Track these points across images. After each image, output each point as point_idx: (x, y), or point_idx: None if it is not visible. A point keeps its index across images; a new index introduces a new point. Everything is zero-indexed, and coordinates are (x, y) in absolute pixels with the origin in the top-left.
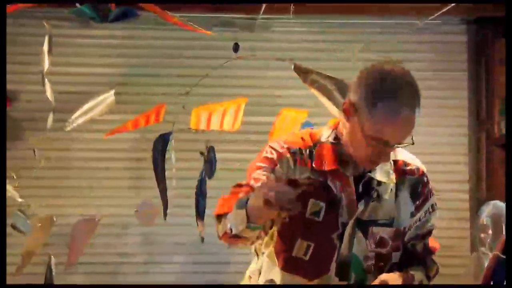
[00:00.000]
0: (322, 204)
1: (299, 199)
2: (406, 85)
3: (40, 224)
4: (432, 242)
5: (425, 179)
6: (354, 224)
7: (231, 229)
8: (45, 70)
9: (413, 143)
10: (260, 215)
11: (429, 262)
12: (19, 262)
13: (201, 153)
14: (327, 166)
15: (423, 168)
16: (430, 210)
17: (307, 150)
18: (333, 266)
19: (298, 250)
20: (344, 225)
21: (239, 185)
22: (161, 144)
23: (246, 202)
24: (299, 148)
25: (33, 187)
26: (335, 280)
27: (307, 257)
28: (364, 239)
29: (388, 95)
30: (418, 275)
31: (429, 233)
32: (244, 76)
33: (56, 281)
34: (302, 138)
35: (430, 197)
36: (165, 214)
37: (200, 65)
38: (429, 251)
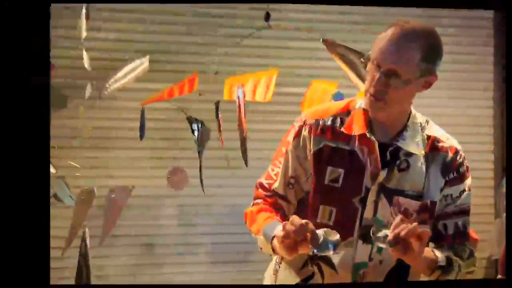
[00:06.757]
0: (341, 171)
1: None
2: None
3: (83, 198)
4: (471, 233)
5: (458, 157)
6: (378, 190)
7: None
8: (83, 37)
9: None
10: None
11: (461, 248)
12: (66, 236)
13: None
14: (356, 131)
15: (457, 146)
16: (466, 189)
17: (329, 119)
18: (357, 229)
19: (322, 216)
20: (368, 190)
21: (263, 187)
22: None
23: (272, 238)
24: (316, 119)
25: (69, 157)
26: (359, 243)
27: (331, 222)
28: (388, 206)
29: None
30: (441, 256)
31: (461, 212)
32: (276, 46)
33: (91, 255)
34: (327, 108)
35: (465, 177)
36: (201, 183)
37: (234, 34)
38: (462, 234)
